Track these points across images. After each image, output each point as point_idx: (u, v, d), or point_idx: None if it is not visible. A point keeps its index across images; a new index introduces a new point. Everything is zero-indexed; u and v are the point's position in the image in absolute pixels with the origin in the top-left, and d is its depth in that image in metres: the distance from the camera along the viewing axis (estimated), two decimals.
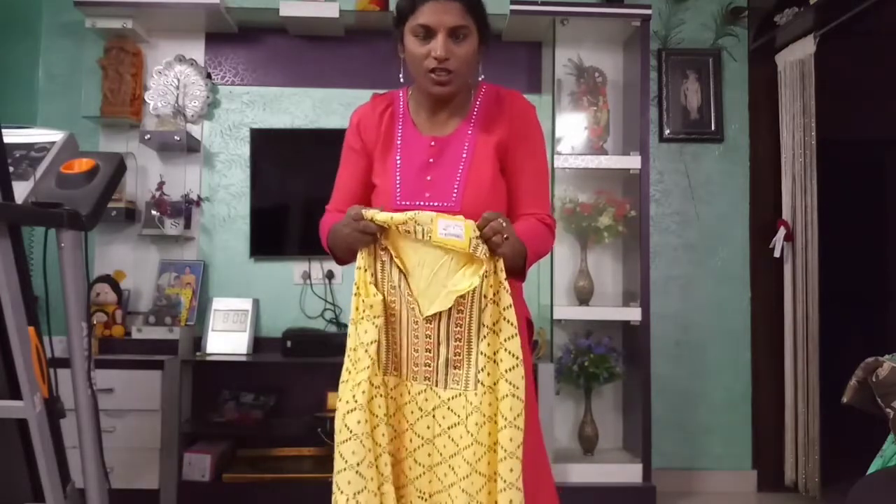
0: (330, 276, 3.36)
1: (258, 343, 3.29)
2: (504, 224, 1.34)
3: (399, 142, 1.57)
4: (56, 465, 1.66)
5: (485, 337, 1.36)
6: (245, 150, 3.39)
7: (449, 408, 1.39)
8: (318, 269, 3.36)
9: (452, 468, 1.38)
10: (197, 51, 3.43)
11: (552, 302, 3.14)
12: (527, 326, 1.61)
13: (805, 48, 3.23)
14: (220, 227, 3.39)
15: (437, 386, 1.41)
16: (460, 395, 1.39)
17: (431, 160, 1.54)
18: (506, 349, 1.35)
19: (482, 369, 1.36)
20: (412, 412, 1.43)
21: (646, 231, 3.13)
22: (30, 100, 3.39)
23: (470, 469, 1.35)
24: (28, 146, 1.90)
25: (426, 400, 1.42)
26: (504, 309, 1.36)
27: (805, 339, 3.20)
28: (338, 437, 1.38)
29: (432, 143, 1.55)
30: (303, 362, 3.09)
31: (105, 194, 1.86)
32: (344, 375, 1.42)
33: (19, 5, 3.34)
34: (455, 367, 1.39)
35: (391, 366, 1.45)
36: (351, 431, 1.36)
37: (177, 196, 3.31)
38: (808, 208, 3.23)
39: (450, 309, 1.37)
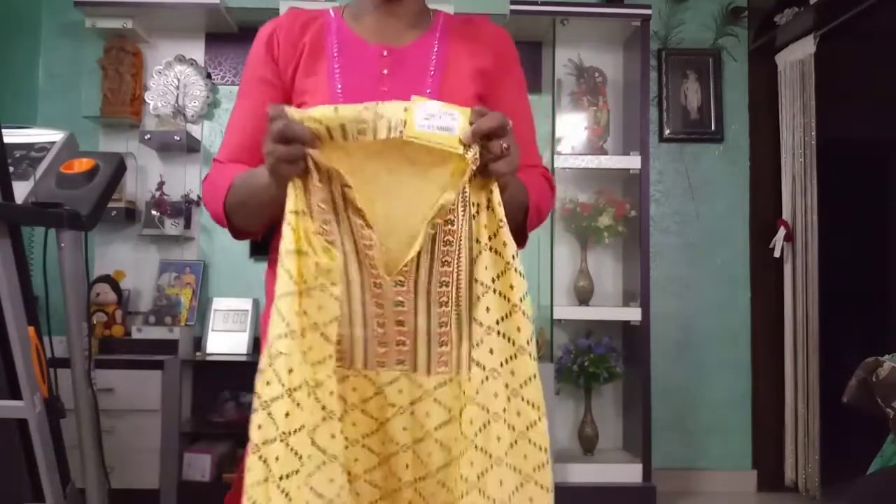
0: None
1: (258, 343, 3.28)
2: (508, 125, 0.92)
3: (335, 51, 1.17)
4: (56, 465, 1.66)
5: (480, 297, 0.96)
6: None
7: (435, 399, 1.01)
8: None
9: (444, 484, 1.01)
10: (197, 51, 3.43)
11: (552, 302, 3.14)
12: None
13: (805, 48, 3.23)
14: (220, 227, 3.38)
15: (416, 371, 1.01)
16: (451, 380, 1.00)
17: (386, 71, 1.15)
18: (522, 311, 0.95)
19: (478, 344, 0.97)
20: (380, 408, 1.02)
21: (646, 231, 3.13)
22: (30, 100, 3.39)
23: (469, 486, 0.98)
24: (28, 146, 1.90)
25: (400, 392, 1.01)
26: (511, 257, 0.95)
27: (805, 339, 3.20)
28: (308, 465, 0.95)
29: (385, 53, 1.16)
30: None
31: (105, 194, 1.85)
32: (276, 385, 0.93)
33: (19, 5, 3.34)
34: (441, 344, 1.00)
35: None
36: (325, 453, 0.96)
37: (177, 196, 3.31)
38: (808, 208, 3.23)
39: (431, 261, 0.97)
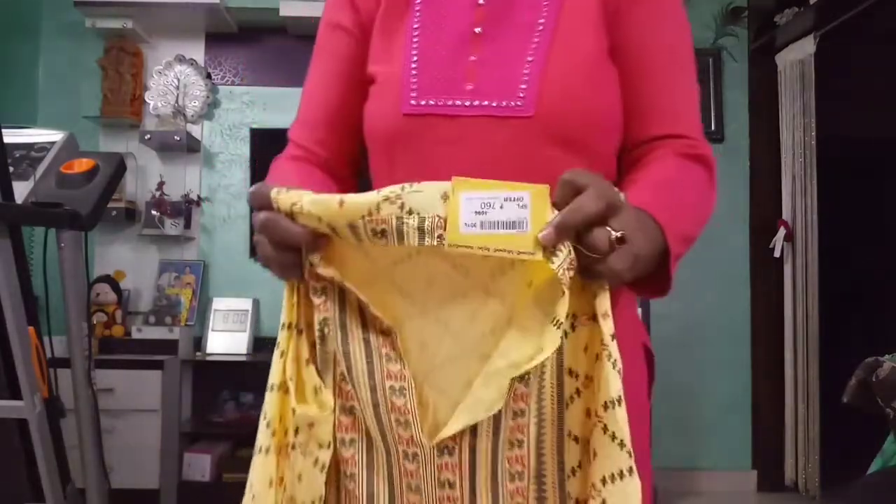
0: None
1: (258, 343, 3.29)
2: (618, 200, 0.59)
3: (419, 2, 0.86)
4: (56, 465, 1.66)
5: (581, 466, 0.62)
6: (245, 150, 3.39)
7: None
8: None
9: None
10: (197, 51, 3.43)
11: None
12: (646, 357, 0.93)
13: (805, 48, 3.23)
14: (220, 227, 3.39)
15: None
16: None
17: (479, 29, 0.83)
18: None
19: None
20: None
21: None
22: (30, 100, 3.39)
23: None
24: (28, 146, 1.90)
25: None
26: (613, 403, 0.58)
27: (805, 339, 3.20)
28: None
29: (481, 1, 0.84)
30: None
31: (105, 194, 1.86)
32: None
33: (19, 5, 3.34)
34: None
35: None
36: None
37: (177, 196, 3.31)
38: (808, 208, 3.23)
39: (497, 413, 0.61)
